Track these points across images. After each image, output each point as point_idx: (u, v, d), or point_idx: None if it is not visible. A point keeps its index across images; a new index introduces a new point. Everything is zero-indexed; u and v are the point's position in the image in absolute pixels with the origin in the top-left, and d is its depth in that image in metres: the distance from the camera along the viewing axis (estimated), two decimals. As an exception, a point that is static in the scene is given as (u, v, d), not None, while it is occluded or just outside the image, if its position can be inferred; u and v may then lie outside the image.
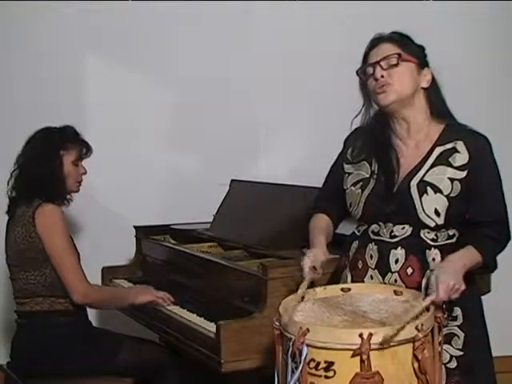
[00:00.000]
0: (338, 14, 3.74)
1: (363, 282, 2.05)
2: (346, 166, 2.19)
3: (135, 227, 3.37)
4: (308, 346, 1.62)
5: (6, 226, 2.76)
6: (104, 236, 3.48)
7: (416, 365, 1.62)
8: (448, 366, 1.97)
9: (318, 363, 1.62)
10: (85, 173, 2.82)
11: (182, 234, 3.31)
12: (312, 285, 2.00)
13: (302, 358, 1.62)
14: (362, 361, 1.58)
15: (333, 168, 2.27)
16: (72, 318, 2.68)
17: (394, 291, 1.91)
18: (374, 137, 2.12)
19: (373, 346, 1.57)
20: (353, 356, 1.58)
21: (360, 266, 2.08)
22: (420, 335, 1.61)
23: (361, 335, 1.57)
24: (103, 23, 3.64)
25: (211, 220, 3.27)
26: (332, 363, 1.61)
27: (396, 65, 2.01)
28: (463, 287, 1.86)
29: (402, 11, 3.64)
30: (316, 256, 2.02)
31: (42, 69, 3.64)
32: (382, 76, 2.00)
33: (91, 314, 2.91)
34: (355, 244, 2.14)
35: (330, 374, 1.61)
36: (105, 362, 2.62)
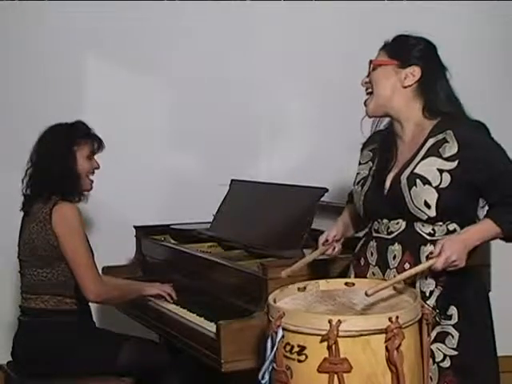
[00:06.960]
0: (339, 13, 3.74)
1: (366, 278, 2.09)
2: (358, 167, 2.26)
3: (135, 227, 3.37)
4: (284, 329, 1.67)
5: (21, 223, 2.76)
6: (104, 236, 3.48)
7: (387, 355, 1.63)
8: (441, 364, 1.96)
9: (292, 347, 1.67)
10: (98, 167, 2.80)
11: (182, 233, 3.31)
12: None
13: (277, 340, 1.67)
14: (329, 346, 1.61)
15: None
16: (75, 318, 2.67)
17: (394, 288, 1.92)
18: (382, 139, 2.18)
19: (342, 333, 1.60)
20: (322, 341, 1.62)
21: (362, 263, 2.13)
22: (392, 326, 1.62)
23: (330, 321, 1.61)
24: (103, 23, 3.64)
25: (211, 220, 3.27)
26: (304, 347, 1.65)
27: (369, 74, 2.09)
28: (463, 264, 1.89)
29: (404, 11, 3.64)
30: (330, 231, 2.24)
31: (42, 69, 3.64)
32: (367, 82, 2.10)
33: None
34: (361, 242, 2.20)
35: (302, 357, 1.66)
36: (105, 362, 2.62)
